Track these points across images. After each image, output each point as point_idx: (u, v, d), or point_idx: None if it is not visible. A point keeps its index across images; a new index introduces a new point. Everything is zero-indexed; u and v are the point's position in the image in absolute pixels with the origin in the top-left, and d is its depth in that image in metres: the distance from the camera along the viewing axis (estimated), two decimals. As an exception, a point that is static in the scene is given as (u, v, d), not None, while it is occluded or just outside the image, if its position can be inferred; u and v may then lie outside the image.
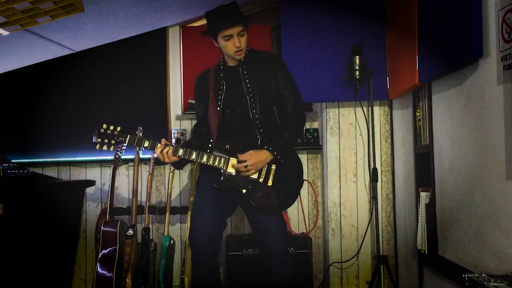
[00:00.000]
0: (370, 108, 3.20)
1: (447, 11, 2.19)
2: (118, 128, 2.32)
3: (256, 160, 2.28)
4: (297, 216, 3.58)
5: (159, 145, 2.29)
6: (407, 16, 2.71)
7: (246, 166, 2.26)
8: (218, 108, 2.40)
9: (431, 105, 2.57)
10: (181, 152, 2.29)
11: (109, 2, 2.76)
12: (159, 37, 3.63)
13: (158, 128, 3.58)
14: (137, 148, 3.29)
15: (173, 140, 3.48)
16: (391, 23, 3.12)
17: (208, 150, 2.37)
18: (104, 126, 2.32)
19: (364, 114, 3.28)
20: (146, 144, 2.30)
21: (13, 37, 2.78)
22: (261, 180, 2.33)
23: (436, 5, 2.33)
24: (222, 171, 2.32)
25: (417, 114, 2.85)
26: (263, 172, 2.33)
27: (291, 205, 2.42)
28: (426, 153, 2.66)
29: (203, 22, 3.71)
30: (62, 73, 3.62)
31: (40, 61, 3.50)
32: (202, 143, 2.45)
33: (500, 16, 1.82)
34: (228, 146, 2.34)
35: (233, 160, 2.31)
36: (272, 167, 2.34)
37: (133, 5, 2.96)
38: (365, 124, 3.33)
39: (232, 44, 2.33)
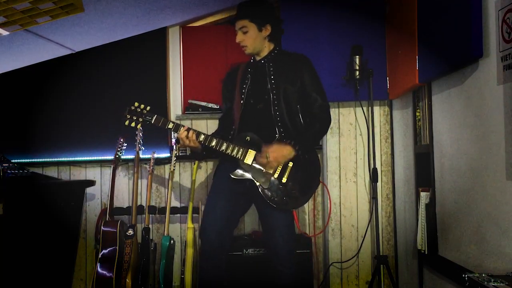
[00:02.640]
0: (370, 108, 3.20)
1: (447, 11, 2.19)
2: (148, 108, 2.44)
3: (278, 154, 2.30)
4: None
5: (182, 128, 2.38)
6: (407, 16, 2.71)
7: (267, 157, 2.28)
8: (242, 101, 2.45)
9: (431, 105, 2.57)
10: (202, 137, 2.35)
11: (109, 2, 2.75)
12: (159, 37, 3.63)
13: (158, 128, 3.57)
14: (137, 148, 3.29)
15: (173, 140, 3.48)
16: (391, 23, 3.12)
17: (229, 140, 2.40)
18: (136, 104, 2.43)
19: (364, 114, 3.28)
20: (170, 125, 2.40)
21: (13, 37, 2.78)
22: (276, 176, 2.35)
23: (436, 5, 2.33)
24: (239, 161, 2.35)
25: (417, 114, 2.85)
26: (279, 168, 2.35)
27: (303, 204, 2.48)
28: (426, 153, 2.66)
29: (203, 22, 3.72)
30: (62, 73, 3.61)
31: (40, 61, 3.50)
32: (225, 137, 2.48)
33: (500, 16, 1.82)
34: (248, 138, 2.38)
35: (251, 152, 2.34)
36: (289, 165, 2.36)
37: (133, 5, 2.96)
38: (365, 124, 3.33)
39: (236, 38, 2.41)
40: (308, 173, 2.42)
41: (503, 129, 1.81)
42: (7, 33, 2.64)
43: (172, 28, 3.68)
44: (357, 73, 3.12)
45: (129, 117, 2.42)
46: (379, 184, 3.31)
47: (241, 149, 2.35)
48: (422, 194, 2.62)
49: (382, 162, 3.36)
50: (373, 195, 3.15)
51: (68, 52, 3.45)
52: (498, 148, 1.85)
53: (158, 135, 3.55)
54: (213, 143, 2.35)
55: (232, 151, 2.35)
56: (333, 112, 3.39)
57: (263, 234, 2.52)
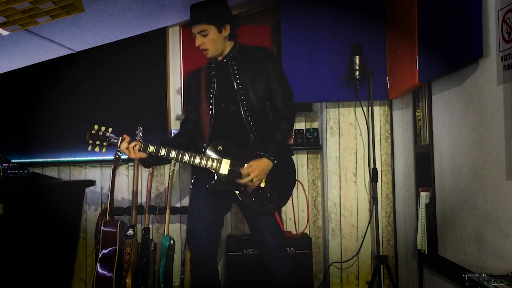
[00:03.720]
0: (370, 108, 3.20)
1: (447, 11, 2.19)
2: (110, 130, 2.28)
3: (259, 172, 2.24)
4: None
5: (123, 141, 2.25)
6: (407, 16, 2.71)
7: (251, 180, 2.23)
8: (210, 107, 2.36)
9: (431, 105, 2.57)
10: (173, 154, 2.24)
11: (109, 2, 2.75)
12: (159, 37, 3.63)
13: (158, 128, 3.58)
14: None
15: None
16: (391, 23, 3.12)
17: (203, 150, 2.33)
18: (96, 127, 2.28)
19: (364, 114, 3.28)
20: (121, 142, 2.26)
21: (13, 37, 2.78)
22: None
23: (436, 5, 2.33)
24: (214, 172, 2.29)
25: (417, 114, 2.85)
26: None
27: (283, 205, 2.42)
28: (426, 153, 2.66)
29: (203, 22, 3.72)
30: (62, 73, 3.62)
31: (40, 61, 3.50)
32: (190, 139, 2.42)
33: (500, 16, 1.82)
34: (221, 147, 2.30)
35: (225, 162, 2.28)
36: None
37: (133, 5, 2.96)
38: (365, 124, 3.33)
39: (196, 41, 2.33)
40: (284, 174, 2.38)
41: (503, 129, 1.81)
42: (7, 33, 2.64)
43: (172, 28, 3.68)
44: (357, 73, 3.12)
45: (91, 142, 2.28)
46: (379, 184, 3.31)
47: (215, 160, 2.27)
48: (422, 194, 2.62)
49: (382, 162, 3.36)
50: (373, 195, 3.15)
51: (68, 52, 3.45)
52: (498, 148, 1.85)
53: (158, 135, 3.55)
54: (186, 158, 2.25)
55: (206, 163, 2.27)
56: (333, 112, 3.39)
57: (252, 235, 2.48)
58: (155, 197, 3.61)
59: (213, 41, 2.32)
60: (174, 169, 3.32)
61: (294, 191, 3.14)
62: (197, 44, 2.32)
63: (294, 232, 3.48)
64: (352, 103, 3.35)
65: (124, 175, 3.63)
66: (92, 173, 3.64)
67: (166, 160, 2.32)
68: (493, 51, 1.88)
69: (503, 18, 1.80)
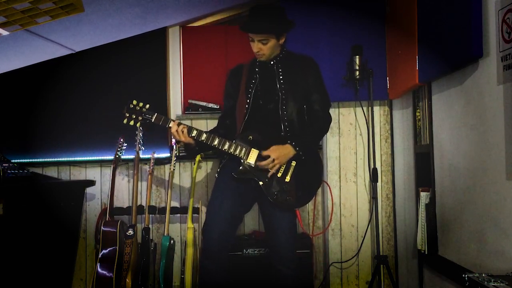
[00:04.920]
0: (370, 108, 3.20)
1: (447, 11, 2.19)
2: (147, 106, 2.43)
3: (279, 154, 2.31)
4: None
5: (172, 122, 2.38)
6: (407, 16, 2.71)
7: (273, 161, 2.29)
8: (248, 101, 2.44)
9: (431, 105, 2.57)
10: (204, 136, 2.35)
11: (109, 2, 2.75)
12: (159, 37, 3.63)
13: (158, 127, 3.57)
14: (137, 148, 3.29)
15: (173, 140, 3.47)
16: (391, 23, 3.12)
17: (233, 139, 2.40)
18: (135, 102, 2.42)
19: (364, 114, 3.28)
20: (171, 124, 2.38)
21: (13, 37, 2.78)
22: (279, 174, 2.35)
23: (436, 5, 2.33)
24: (242, 160, 2.35)
25: (417, 114, 2.85)
26: (282, 167, 2.36)
27: (306, 203, 2.50)
28: (426, 153, 2.66)
29: (203, 22, 3.72)
30: (62, 73, 3.61)
31: (40, 61, 3.50)
32: (228, 132, 2.49)
33: (500, 16, 1.82)
34: (251, 137, 2.38)
35: (254, 152, 2.34)
36: (292, 164, 2.36)
37: (133, 5, 2.96)
38: (365, 124, 3.33)
39: (254, 47, 2.39)
40: (311, 172, 2.43)
41: (503, 129, 1.81)
42: (7, 33, 2.64)
43: (172, 28, 3.68)
44: (357, 73, 3.12)
45: (127, 115, 2.42)
46: (379, 184, 3.31)
47: (244, 148, 2.35)
48: (422, 194, 2.62)
49: (382, 162, 3.36)
50: (373, 195, 3.15)
51: (68, 52, 3.44)
52: (498, 148, 1.85)
53: (158, 135, 3.55)
54: (215, 142, 2.35)
55: (235, 150, 2.35)
56: (333, 112, 3.39)
57: (265, 233, 2.52)
58: (155, 197, 3.61)
59: (271, 49, 2.41)
60: (174, 169, 3.32)
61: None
62: (255, 50, 2.40)
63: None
64: (352, 103, 3.35)
65: (124, 175, 3.62)
66: (92, 173, 3.63)
67: (208, 147, 2.42)
68: (493, 51, 1.88)
69: (503, 18, 1.80)
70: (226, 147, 2.34)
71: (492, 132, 1.90)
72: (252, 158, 2.35)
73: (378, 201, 3.18)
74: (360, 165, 3.39)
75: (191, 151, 2.51)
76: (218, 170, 2.54)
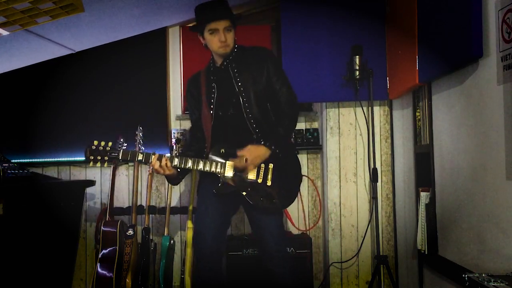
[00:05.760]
0: (370, 108, 3.20)
1: (447, 11, 2.19)
2: (110, 144, 2.29)
3: (255, 155, 2.26)
4: (297, 214, 3.58)
5: (153, 156, 2.25)
6: (407, 16, 2.71)
7: (246, 161, 2.23)
8: (211, 112, 2.37)
9: (431, 105, 2.57)
10: (176, 161, 2.25)
11: (109, 2, 2.76)
12: (159, 37, 3.63)
13: (158, 128, 3.58)
14: (137, 148, 3.29)
15: (173, 140, 3.48)
16: (391, 23, 3.12)
17: (204, 155, 2.35)
18: (95, 142, 2.28)
19: (364, 114, 3.28)
20: (140, 157, 2.26)
21: (13, 37, 2.78)
22: (259, 180, 2.32)
23: (436, 5, 2.33)
24: (220, 175, 2.30)
25: (417, 114, 2.85)
26: (261, 172, 2.32)
27: (292, 202, 2.42)
28: (426, 153, 2.66)
29: (203, 22, 3.72)
30: (62, 73, 3.61)
31: (40, 61, 3.50)
32: (199, 149, 2.43)
33: (500, 16, 1.82)
34: (223, 150, 2.31)
35: (229, 164, 2.29)
36: (270, 166, 2.33)
37: (133, 5, 2.96)
38: (365, 124, 3.32)
39: (218, 39, 2.30)
40: (290, 170, 2.39)
41: (503, 129, 1.81)
42: (7, 33, 2.64)
43: (172, 28, 3.68)
44: (357, 73, 3.12)
45: (92, 157, 2.27)
46: (379, 184, 3.31)
47: (219, 164, 2.28)
48: (422, 194, 2.62)
49: (382, 162, 3.36)
50: (373, 195, 3.15)
51: (68, 52, 3.45)
52: (498, 148, 1.85)
53: (158, 135, 3.55)
54: (189, 164, 2.26)
55: (211, 167, 2.28)
56: (333, 112, 3.39)
57: (254, 235, 2.49)
58: (155, 197, 3.61)
59: (233, 38, 2.35)
60: (174, 169, 3.32)
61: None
62: (220, 41, 2.30)
63: (296, 231, 3.48)
64: (352, 103, 3.35)
65: (124, 175, 3.62)
66: (92, 173, 3.63)
67: (186, 170, 2.32)
68: (493, 51, 1.88)
69: (503, 18, 1.80)
70: (200, 166, 2.27)
71: (492, 132, 1.89)
72: (229, 172, 2.28)
73: (378, 201, 3.18)
74: (360, 165, 3.39)
75: (174, 180, 2.40)
76: (197, 188, 2.47)
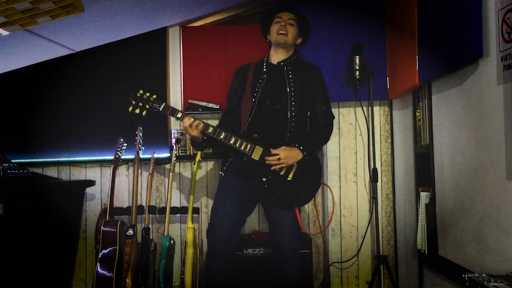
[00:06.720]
0: (370, 108, 3.20)
1: (447, 11, 2.19)
2: (154, 96, 2.41)
3: (288, 155, 2.35)
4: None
5: (187, 117, 2.37)
6: (407, 16, 2.71)
7: (279, 159, 2.32)
8: (254, 99, 2.46)
9: (431, 105, 2.57)
10: (211, 129, 2.36)
11: (109, 2, 2.75)
12: (159, 37, 3.63)
13: (158, 128, 3.58)
14: (137, 148, 3.29)
15: (173, 140, 3.48)
16: (391, 23, 3.12)
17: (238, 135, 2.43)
18: (141, 91, 2.41)
19: (364, 114, 3.28)
20: (179, 115, 2.38)
21: (13, 37, 2.78)
22: (282, 172, 2.38)
23: (436, 5, 2.33)
24: (247, 157, 2.37)
25: (417, 114, 2.85)
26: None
27: (307, 203, 2.54)
28: (426, 153, 2.66)
29: (203, 22, 3.72)
30: (62, 73, 3.61)
31: (40, 61, 3.50)
32: (230, 131, 2.49)
33: (500, 16, 1.82)
34: (256, 135, 2.40)
35: (258, 149, 2.36)
36: (295, 164, 2.39)
37: (133, 5, 2.96)
38: (365, 124, 3.33)
39: (279, 26, 2.46)
40: (311, 174, 2.47)
41: (503, 129, 1.81)
42: (7, 33, 2.63)
43: (172, 28, 3.68)
44: (357, 73, 3.12)
45: (134, 103, 2.38)
46: (379, 184, 3.31)
47: (249, 145, 2.36)
48: (422, 194, 2.62)
49: (382, 162, 3.36)
50: (373, 195, 3.15)
51: (68, 52, 3.44)
52: (498, 148, 1.85)
53: (158, 135, 3.55)
54: (222, 136, 2.36)
55: (241, 145, 2.36)
56: (333, 112, 3.37)
57: (270, 232, 2.55)
58: (155, 197, 3.61)
59: (293, 37, 2.52)
60: (173, 169, 3.32)
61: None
62: (283, 28, 2.47)
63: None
64: (352, 103, 3.35)
65: (124, 175, 3.62)
66: (92, 173, 3.63)
67: (214, 142, 2.43)
68: (493, 51, 1.88)
69: (503, 18, 1.80)
70: (232, 141, 2.35)
71: (492, 132, 1.90)
72: (256, 155, 2.36)
73: (378, 201, 3.18)
74: (360, 165, 3.39)
75: (198, 145, 2.51)
76: (224, 168, 2.55)
